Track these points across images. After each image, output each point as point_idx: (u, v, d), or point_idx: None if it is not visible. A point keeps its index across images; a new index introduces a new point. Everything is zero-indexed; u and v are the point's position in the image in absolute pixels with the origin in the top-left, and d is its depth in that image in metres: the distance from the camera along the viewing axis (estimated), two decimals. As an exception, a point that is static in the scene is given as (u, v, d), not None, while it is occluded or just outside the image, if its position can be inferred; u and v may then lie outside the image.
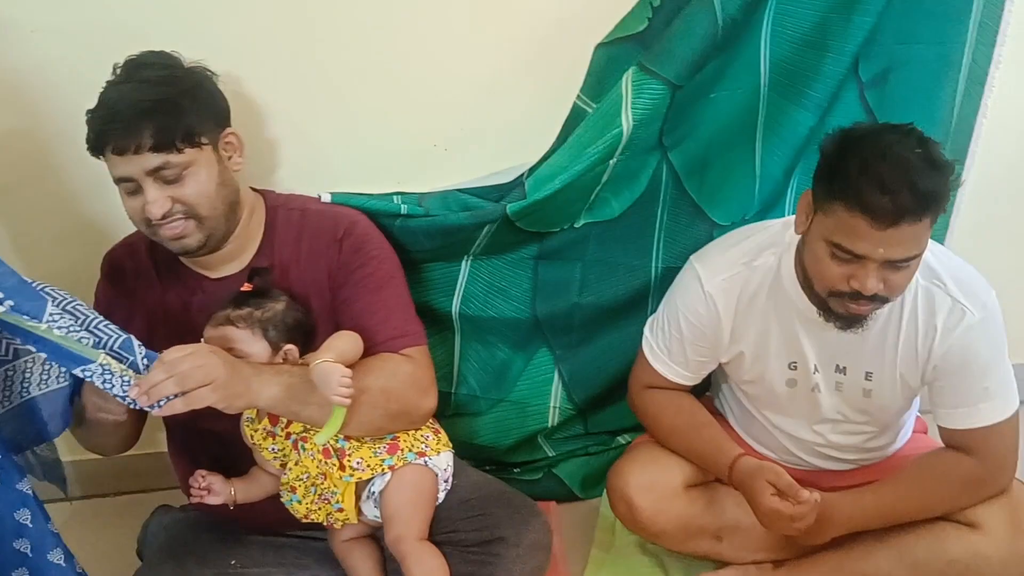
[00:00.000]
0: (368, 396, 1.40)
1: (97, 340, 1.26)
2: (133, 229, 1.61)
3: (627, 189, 1.79)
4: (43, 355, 1.36)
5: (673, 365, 1.66)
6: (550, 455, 2.02)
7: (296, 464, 1.44)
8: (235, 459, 1.54)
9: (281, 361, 1.42)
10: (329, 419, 1.34)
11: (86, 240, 1.74)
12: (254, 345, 1.41)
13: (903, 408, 1.62)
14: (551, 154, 1.72)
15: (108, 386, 1.24)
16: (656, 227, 1.82)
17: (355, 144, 1.82)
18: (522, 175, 1.73)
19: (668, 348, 1.65)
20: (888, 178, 1.28)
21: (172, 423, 1.63)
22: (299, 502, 1.46)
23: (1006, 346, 1.51)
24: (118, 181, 1.40)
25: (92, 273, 1.61)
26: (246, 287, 1.47)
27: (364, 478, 1.44)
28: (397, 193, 1.77)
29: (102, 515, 2.03)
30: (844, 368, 1.56)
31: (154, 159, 1.36)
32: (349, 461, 1.43)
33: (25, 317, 1.21)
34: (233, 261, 1.54)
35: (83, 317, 1.28)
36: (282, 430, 1.44)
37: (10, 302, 1.20)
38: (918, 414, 1.76)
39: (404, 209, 1.68)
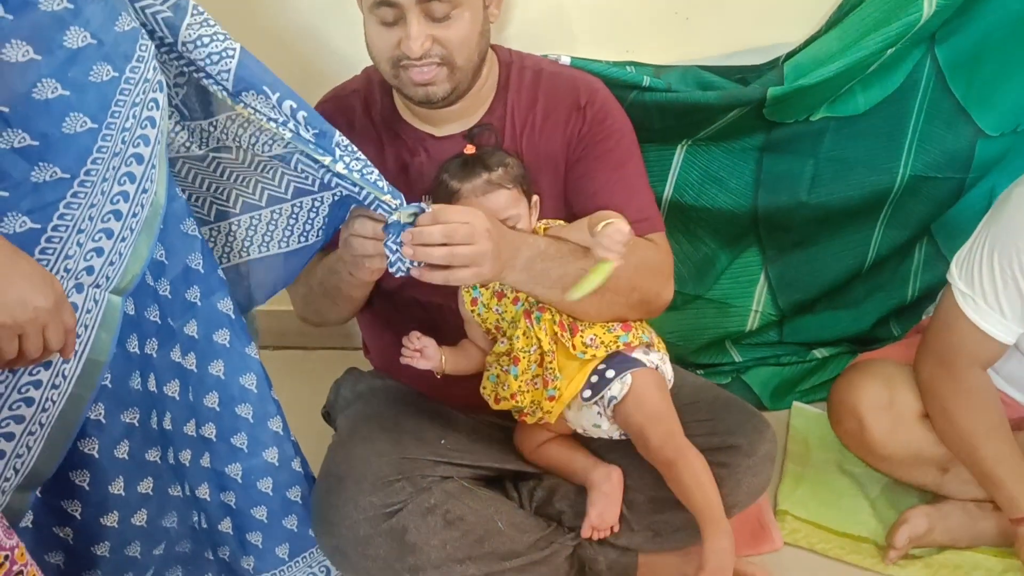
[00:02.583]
0: (615, 284, 1.28)
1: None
2: (346, 76, 1.50)
3: (878, 84, 1.61)
4: (267, 213, 1.29)
5: (1010, 323, 1.34)
6: (736, 360, 1.92)
7: (524, 334, 1.33)
8: (439, 330, 1.45)
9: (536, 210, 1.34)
10: (588, 275, 1.21)
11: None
12: (521, 205, 1.31)
13: None
14: (814, 40, 1.54)
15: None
16: (909, 129, 1.65)
17: (587, 3, 1.65)
18: (779, 58, 1.55)
19: (1000, 303, 1.33)
20: None
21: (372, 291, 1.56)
22: (516, 377, 1.33)
23: None
24: (377, 6, 1.25)
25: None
26: (469, 149, 1.33)
27: (599, 356, 1.33)
28: (630, 63, 1.61)
29: (276, 368, 1.98)
30: None
31: None
32: (583, 337, 1.32)
33: (312, 141, 1.14)
34: (462, 119, 1.41)
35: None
36: (511, 292, 1.34)
37: (303, 113, 1.12)
38: None
39: (646, 81, 1.53)
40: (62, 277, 1.03)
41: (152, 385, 1.24)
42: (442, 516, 1.33)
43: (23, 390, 1.05)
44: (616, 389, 1.32)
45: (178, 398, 1.28)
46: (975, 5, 1.52)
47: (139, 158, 1.06)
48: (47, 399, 1.07)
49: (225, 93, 1.12)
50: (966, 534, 1.56)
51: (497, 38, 1.58)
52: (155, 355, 1.23)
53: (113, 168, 1.04)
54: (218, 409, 1.31)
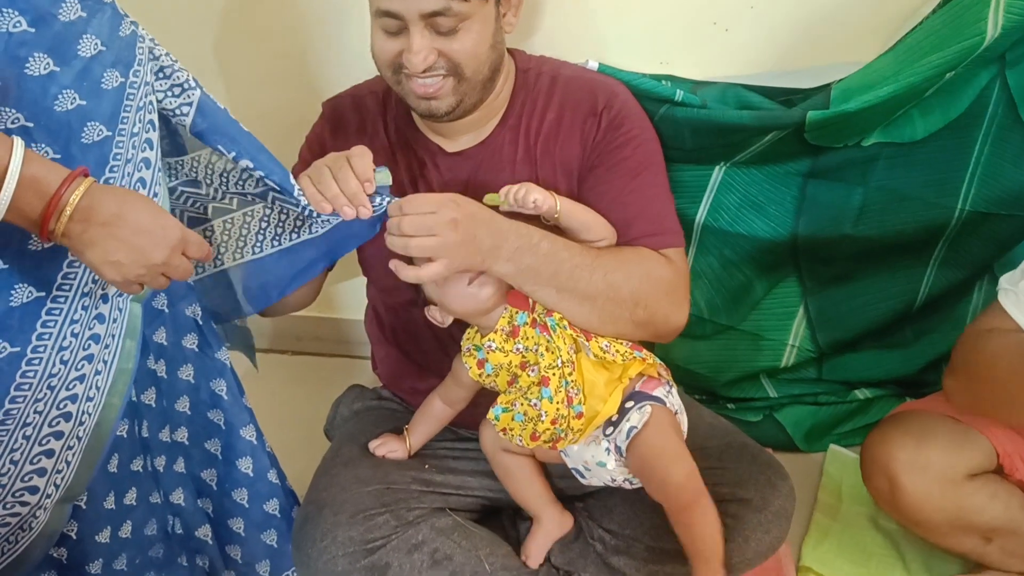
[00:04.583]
0: (615, 294, 1.21)
1: None
2: (354, 80, 1.44)
3: (939, 109, 1.46)
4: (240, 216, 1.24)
5: None
6: (771, 396, 1.78)
7: (547, 349, 1.22)
8: (444, 348, 1.39)
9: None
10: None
11: (298, 83, 1.59)
12: None
13: None
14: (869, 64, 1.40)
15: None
16: (972, 160, 1.49)
17: (620, 9, 1.54)
18: (829, 83, 1.42)
19: None
20: None
21: (379, 304, 1.49)
22: (550, 399, 1.21)
23: None
24: (380, 15, 1.19)
25: (300, 119, 1.44)
26: None
27: (617, 363, 1.23)
28: (665, 76, 1.50)
29: (278, 373, 1.94)
30: None
31: (435, 2, 1.14)
32: (598, 342, 1.22)
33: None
34: (474, 132, 1.34)
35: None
36: (529, 316, 1.24)
37: (260, 172, 1.10)
38: None
39: (679, 96, 1.41)
40: (89, 290, 1.03)
41: (133, 395, 1.22)
42: (429, 555, 1.26)
43: (61, 405, 1.05)
44: (636, 419, 1.21)
45: (154, 405, 1.27)
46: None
47: (147, 163, 1.04)
48: (83, 412, 1.08)
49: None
50: (1007, 612, 1.41)
51: (525, 44, 1.51)
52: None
53: (128, 175, 1.02)
54: (189, 413, 1.29)
